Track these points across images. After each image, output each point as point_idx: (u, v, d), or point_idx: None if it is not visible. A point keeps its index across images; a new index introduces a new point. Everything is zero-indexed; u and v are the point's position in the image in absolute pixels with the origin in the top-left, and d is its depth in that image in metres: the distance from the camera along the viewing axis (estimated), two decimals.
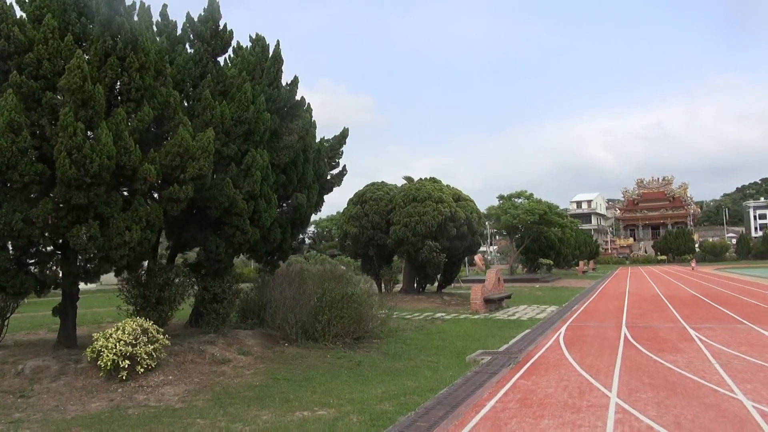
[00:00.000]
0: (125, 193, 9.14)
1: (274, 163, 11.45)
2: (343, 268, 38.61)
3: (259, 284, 13.80)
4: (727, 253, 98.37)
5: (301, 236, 14.18)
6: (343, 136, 14.14)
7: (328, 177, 14.30)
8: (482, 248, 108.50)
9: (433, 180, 25.21)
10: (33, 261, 8.76)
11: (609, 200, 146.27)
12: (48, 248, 8.77)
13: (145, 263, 10.71)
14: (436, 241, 22.65)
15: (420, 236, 22.51)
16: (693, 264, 67.97)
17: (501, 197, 51.07)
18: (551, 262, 54.47)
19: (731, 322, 15.64)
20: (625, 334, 13.62)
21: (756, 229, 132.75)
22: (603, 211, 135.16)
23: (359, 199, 25.06)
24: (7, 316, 10.94)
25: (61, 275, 9.11)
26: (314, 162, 13.19)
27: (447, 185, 25.43)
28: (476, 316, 18.59)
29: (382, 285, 25.82)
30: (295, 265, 21.17)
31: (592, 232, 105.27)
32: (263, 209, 10.97)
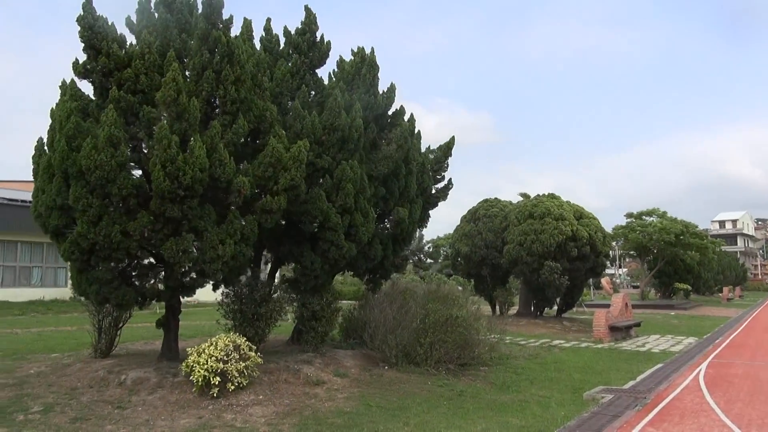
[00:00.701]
0: (221, 207, 9.01)
1: (372, 174, 10.96)
2: (459, 288, 37.61)
3: (363, 302, 13.34)
4: None
5: (406, 253, 13.52)
6: (448, 147, 13.39)
7: (433, 191, 13.58)
8: (610, 271, 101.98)
9: (552, 196, 23.60)
10: (134, 274, 8.87)
11: (758, 220, 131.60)
12: (146, 261, 8.85)
13: (243, 278, 10.60)
14: (555, 262, 21.03)
15: (536, 256, 21.03)
16: None
17: (629, 215, 47.22)
18: (689, 288, 49.36)
19: None
20: None
21: None
22: (751, 232, 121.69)
23: (472, 217, 24.08)
24: (120, 326, 11.32)
25: (161, 288, 9.16)
26: (418, 175, 12.54)
27: (567, 201, 23.69)
28: (599, 346, 16.81)
29: (497, 307, 24.52)
30: (398, 284, 20.62)
31: (738, 255, 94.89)
32: (359, 223, 10.47)
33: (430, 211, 14.01)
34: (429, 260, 59.11)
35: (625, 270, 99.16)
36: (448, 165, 13.50)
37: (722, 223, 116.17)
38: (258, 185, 9.06)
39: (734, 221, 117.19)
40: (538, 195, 23.92)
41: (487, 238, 22.78)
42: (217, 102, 8.93)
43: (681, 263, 46.75)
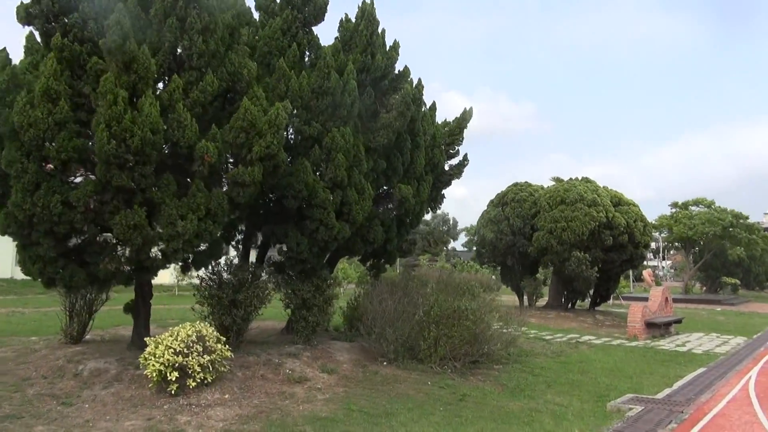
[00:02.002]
0: (184, 178, 7.84)
1: (370, 146, 9.63)
2: (492, 278, 36.09)
3: (364, 290, 12.08)
4: None
5: (414, 236, 12.21)
6: (464, 119, 11.91)
7: (446, 168, 12.16)
8: (653, 263, 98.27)
9: (587, 180, 21.80)
10: (88, 251, 7.79)
11: None
12: (101, 238, 7.77)
13: (224, 260, 9.48)
14: (587, 252, 19.32)
15: (567, 245, 19.36)
16: None
17: (674, 204, 44.51)
18: (737, 282, 46.43)
19: None
20: None
21: None
22: None
23: (500, 201, 22.47)
24: (95, 310, 10.37)
25: (117, 269, 8.07)
26: (427, 149, 11.16)
27: (604, 187, 21.85)
28: (633, 344, 15.16)
29: (524, 298, 22.95)
30: (419, 271, 19.32)
31: None
32: (353, 201, 9.19)
33: (444, 191, 12.63)
34: (463, 248, 57.35)
35: (669, 262, 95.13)
36: (463, 139, 12.03)
37: None
38: (229, 153, 7.85)
39: None
40: (571, 179, 22.15)
41: (515, 224, 21.16)
42: (182, 54, 7.73)
43: (729, 256, 43.93)
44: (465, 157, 12.15)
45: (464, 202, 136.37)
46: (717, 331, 19.40)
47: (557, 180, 23.04)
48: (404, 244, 12.03)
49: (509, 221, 21.31)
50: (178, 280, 23.77)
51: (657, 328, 16.92)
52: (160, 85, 7.97)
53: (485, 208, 22.95)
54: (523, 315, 13.56)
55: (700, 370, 11.33)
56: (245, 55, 8.37)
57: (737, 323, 23.01)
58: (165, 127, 7.21)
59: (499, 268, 23.21)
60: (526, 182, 22.82)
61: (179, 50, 7.72)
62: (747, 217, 42.15)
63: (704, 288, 48.87)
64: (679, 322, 18.49)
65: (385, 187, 10.62)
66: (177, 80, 7.33)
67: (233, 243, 11.05)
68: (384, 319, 10.39)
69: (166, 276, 10.87)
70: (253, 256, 11.10)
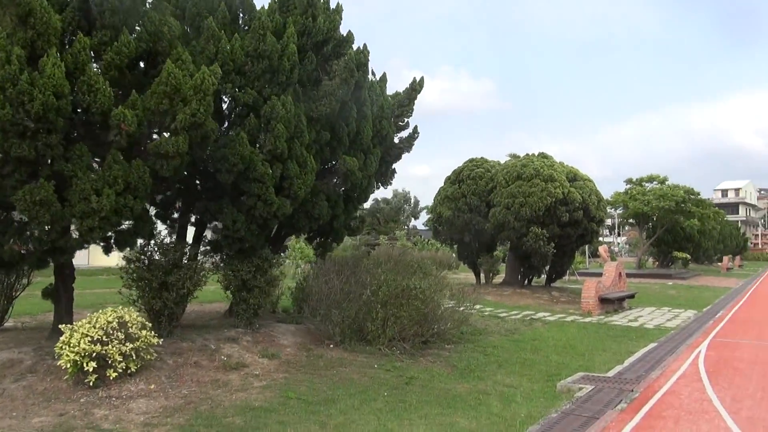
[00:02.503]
0: (100, 149, 7.08)
1: (313, 116, 9.00)
2: (453, 255, 35.67)
3: (314, 269, 11.53)
4: None
5: (362, 213, 11.69)
6: (413, 89, 11.35)
7: (396, 140, 11.63)
8: (609, 239, 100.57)
9: (543, 156, 21.61)
10: None
11: (761, 189, 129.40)
12: (1, 216, 6.99)
13: (154, 240, 8.77)
14: (544, 228, 19.18)
15: (524, 221, 19.16)
16: None
17: (629, 181, 45.18)
18: (688, 257, 47.72)
19: None
20: None
21: None
22: (754, 201, 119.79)
23: (456, 178, 22.10)
24: (15, 295, 9.55)
25: (30, 250, 7.31)
26: (375, 120, 10.59)
27: (561, 162, 21.70)
28: (587, 320, 15.10)
29: (481, 276, 22.81)
30: (380, 250, 18.87)
31: (740, 224, 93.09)
32: (294, 174, 8.58)
33: (396, 166, 12.10)
34: (425, 227, 57.12)
35: (623, 238, 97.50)
36: (413, 109, 11.49)
37: (725, 192, 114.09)
38: (151, 122, 7.13)
39: (737, 190, 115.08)
40: (528, 154, 21.94)
41: (472, 201, 20.85)
42: (95, 13, 6.92)
43: (681, 231, 45.04)
44: (415, 130, 11.63)
45: (427, 181, 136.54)
46: (668, 305, 19.65)
47: (514, 156, 22.83)
48: (352, 221, 11.50)
49: (466, 198, 20.98)
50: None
51: (611, 303, 16.95)
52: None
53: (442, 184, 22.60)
54: (477, 293, 13.24)
55: (651, 345, 11.25)
56: (167, 13, 7.59)
57: (688, 297, 23.44)
58: (76, 91, 6.44)
59: (456, 245, 22.92)
60: (482, 158, 22.50)
61: (92, 6, 6.90)
62: (698, 194, 43.13)
63: (657, 263, 50.10)
64: (632, 297, 18.60)
65: (330, 161, 10.01)
66: (83, 40, 6.54)
67: (169, 221, 10.33)
68: (330, 300, 9.89)
69: (114, 258, 10.09)
70: (191, 236, 10.40)
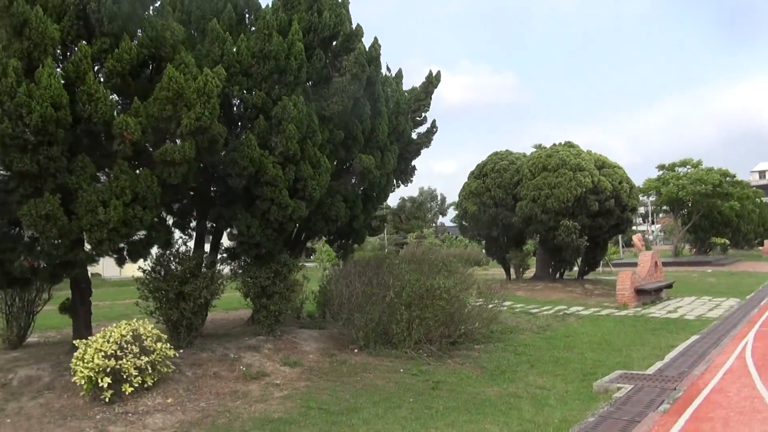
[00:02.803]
0: (104, 160, 6.91)
1: (325, 114, 8.72)
2: (480, 251, 34.94)
3: (336, 272, 11.26)
4: None
5: (383, 213, 11.37)
6: (430, 82, 10.97)
7: (414, 136, 11.28)
8: (642, 227, 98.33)
9: (569, 145, 20.96)
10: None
11: None
12: (13, 232, 6.87)
13: (169, 250, 8.60)
14: (574, 219, 18.57)
15: (552, 213, 18.58)
16: None
17: (661, 167, 43.82)
18: (727, 242, 46.13)
19: None
20: None
21: None
22: None
23: (480, 172, 21.61)
24: (35, 311, 9.50)
25: (41, 266, 7.19)
26: (391, 116, 10.27)
27: (588, 151, 21.03)
28: (623, 312, 14.50)
29: (511, 271, 22.27)
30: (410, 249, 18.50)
31: None
32: (308, 176, 8.30)
33: (414, 162, 11.75)
34: (453, 223, 56.34)
35: (658, 226, 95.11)
36: (430, 103, 11.12)
37: (762, 174, 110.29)
38: (155, 129, 6.93)
39: None
40: (554, 144, 21.30)
41: (497, 195, 20.34)
42: (91, 19, 6.74)
43: (718, 216, 43.55)
44: (433, 124, 11.26)
45: (454, 177, 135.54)
46: (709, 294, 18.83)
47: (539, 147, 22.20)
48: (373, 221, 11.19)
49: (491, 192, 20.49)
50: None
51: (647, 294, 16.29)
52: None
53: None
54: (505, 289, 12.79)
55: (693, 337, 10.66)
56: (171, 17, 7.39)
57: (729, 284, 22.49)
58: (76, 101, 6.27)
59: (483, 241, 22.44)
60: (506, 150, 21.97)
61: (89, 15, 6.72)
62: (734, 175, 41.68)
63: (694, 250, 48.58)
64: (669, 287, 17.87)
65: (346, 161, 9.72)
66: (84, 47, 6.37)
67: (187, 230, 10.17)
68: (351, 304, 9.60)
69: (132, 269, 10.01)
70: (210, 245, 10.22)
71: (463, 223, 22.01)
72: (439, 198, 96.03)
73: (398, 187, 11.78)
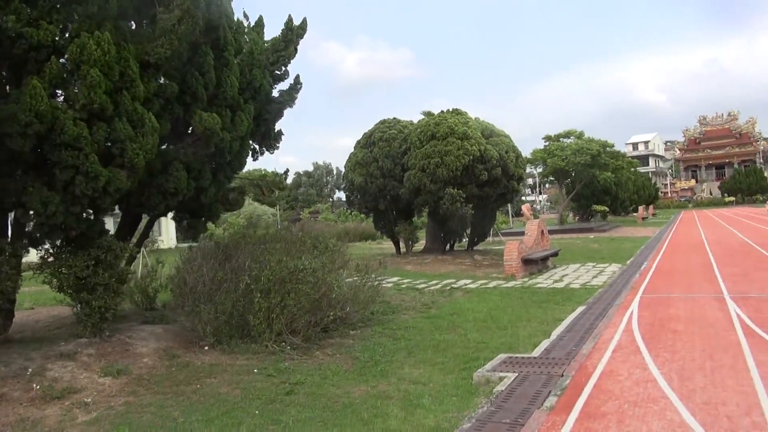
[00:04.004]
0: None
1: (149, 60, 6.94)
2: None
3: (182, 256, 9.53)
4: None
5: (239, 184, 9.78)
6: (289, 29, 9.41)
7: (275, 94, 9.72)
8: (531, 197, 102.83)
9: (457, 112, 20.19)
10: None
11: (667, 141, 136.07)
12: None
13: None
14: (461, 188, 17.88)
15: (441, 183, 17.78)
16: None
17: (547, 138, 45.14)
18: (606, 209, 48.67)
19: None
20: (737, 313, 8.74)
21: None
22: (661, 153, 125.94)
23: (366, 141, 20.41)
24: None
25: None
26: (245, 69, 8.64)
27: (476, 118, 20.42)
28: (510, 284, 13.94)
29: (401, 245, 21.41)
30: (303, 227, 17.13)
31: (650, 175, 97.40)
32: (127, 137, 6.55)
33: (277, 125, 10.20)
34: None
35: (545, 196, 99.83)
36: (293, 54, 9.57)
37: (635, 145, 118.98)
38: None
39: (646, 143, 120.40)
40: (442, 112, 20.47)
41: (385, 165, 19.25)
42: None
43: (598, 185, 45.66)
44: (297, 81, 9.72)
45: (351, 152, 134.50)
46: (592, 260, 18.99)
47: (428, 114, 21.30)
48: (230, 194, 9.56)
49: (378, 162, 19.36)
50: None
51: (534, 263, 15.94)
52: None
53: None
54: (383, 266, 11.69)
55: (580, 309, 10.11)
56: None
57: (610, 249, 23.07)
58: None
59: (372, 214, 21.35)
60: (394, 119, 20.89)
61: None
62: (612, 145, 43.70)
63: (577, 217, 50.87)
64: (555, 254, 17.73)
65: (186, 121, 8.00)
66: None
67: None
68: (197, 292, 8.00)
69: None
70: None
71: (350, 195, 20.77)
72: (335, 172, 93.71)
73: (261, 154, 10.21)
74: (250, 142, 10.04)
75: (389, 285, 14.61)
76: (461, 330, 9.09)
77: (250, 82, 8.81)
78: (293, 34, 9.41)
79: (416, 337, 8.81)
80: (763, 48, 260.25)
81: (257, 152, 10.18)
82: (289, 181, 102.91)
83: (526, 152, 44.47)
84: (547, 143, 45.25)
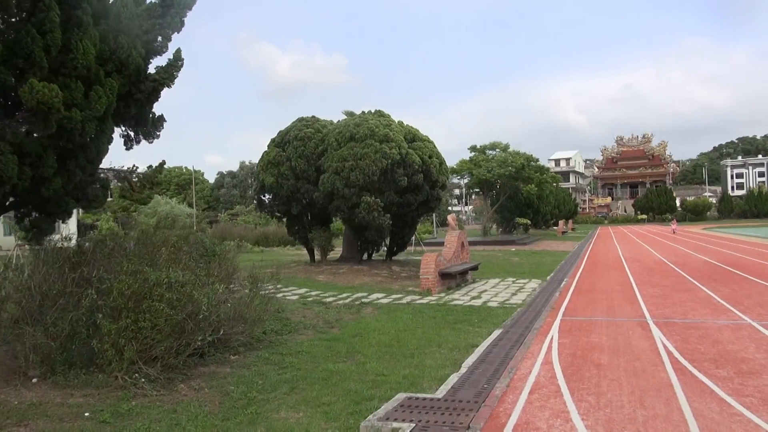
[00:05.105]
0: None
1: None
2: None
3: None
4: (708, 213, 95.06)
5: (101, 174, 8.09)
6: None
7: (151, 69, 8.12)
8: (457, 208, 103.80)
9: (380, 114, 19.08)
10: None
11: (586, 159, 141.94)
12: None
13: None
14: (380, 195, 16.71)
15: (356, 188, 16.54)
16: (674, 225, 54.48)
17: (473, 149, 45.05)
18: (528, 222, 49.20)
19: None
20: (663, 343, 7.94)
21: (733, 188, 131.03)
22: (581, 170, 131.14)
23: (282, 139, 18.87)
24: None
25: None
26: (107, 34, 7.03)
27: (399, 122, 19.36)
28: (425, 300, 12.84)
29: (315, 252, 19.99)
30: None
31: (571, 191, 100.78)
32: None
33: (156, 108, 8.58)
34: None
35: (471, 207, 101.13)
36: (176, 26, 8.01)
37: (557, 162, 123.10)
38: None
39: (567, 159, 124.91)
40: (363, 112, 19.28)
41: (298, 165, 17.78)
42: None
43: (522, 198, 46.04)
44: (178, 55, 8.14)
45: None
46: (512, 275, 18.30)
47: (349, 114, 20.03)
48: (89, 187, 7.85)
49: (291, 162, 17.87)
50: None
51: (452, 278, 14.94)
52: None
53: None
54: (276, 277, 10.28)
55: (496, 332, 9.08)
56: None
57: (531, 263, 22.60)
58: None
59: (285, 218, 19.80)
60: (313, 117, 19.47)
61: None
62: (537, 160, 44.13)
63: (500, 229, 51.15)
64: (475, 268, 16.86)
65: (18, 91, 6.29)
66: None
67: None
68: (23, 311, 6.30)
69: None
70: None
71: (261, 197, 19.16)
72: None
73: (137, 143, 8.55)
74: (122, 127, 8.41)
75: (294, 298, 13.19)
76: (361, 357, 7.80)
77: (114, 52, 7.19)
78: None
79: (307, 365, 7.44)
80: (672, 79, 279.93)
81: (131, 140, 8.52)
82: (211, 180, 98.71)
83: (452, 163, 44.26)
84: (473, 154, 45.16)
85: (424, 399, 5.74)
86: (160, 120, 8.75)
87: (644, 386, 5.92)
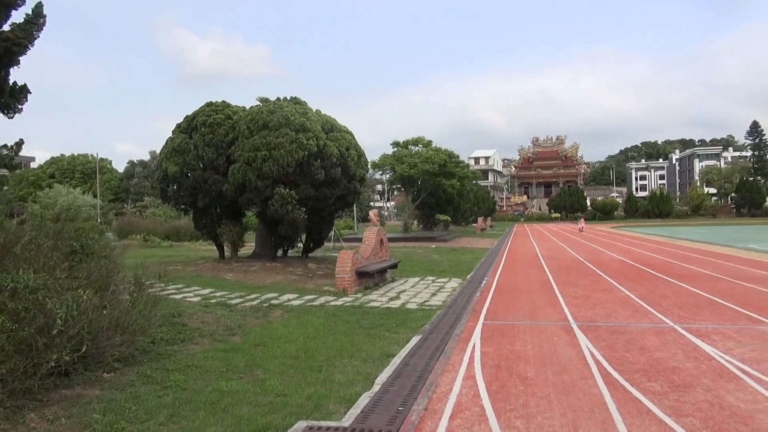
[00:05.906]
0: None
1: None
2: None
3: None
4: (615, 212, 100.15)
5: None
6: None
7: (5, 27, 6.68)
8: (380, 203, 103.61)
9: (296, 101, 17.94)
10: None
11: (504, 159, 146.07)
12: None
13: None
14: (295, 188, 15.63)
15: (269, 180, 15.38)
16: (581, 224, 53.30)
17: (396, 144, 44.59)
18: (449, 219, 49.40)
19: (725, 312, 10.09)
20: (590, 351, 7.43)
21: (637, 189, 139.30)
22: (500, 168, 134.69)
23: (188, 125, 17.35)
24: None
25: None
26: None
27: (317, 110, 18.29)
28: (340, 301, 11.93)
29: (226, 248, 18.58)
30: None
31: (489, 189, 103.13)
32: None
33: (16, 77, 7.12)
34: None
35: (393, 203, 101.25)
36: None
37: (477, 160, 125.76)
38: None
39: (487, 158, 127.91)
40: (278, 99, 18.07)
41: (206, 154, 16.36)
42: None
43: (443, 194, 46.08)
44: (39, 11, 6.74)
45: None
46: (433, 273, 17.74)
47: (263, 100, 18.72)
48: None
49: (198, 151, 16.42)
50: None
51: (370, 277, 14.12)
52: None
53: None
54: (164, 279, 9.03)
55: (415, 339, 8.30)
56: None
57: (451, 261, 22.22)
58: None
59: (191, 211, 18.26)
60: (223, 102, 18.02)
61: None
62: (458, 156, 44.28)
63: (421, 226, 51.08)
64: (394, 266, 16.12)
65: None
66: None
67: None
68: None
69: None
70: None
71: (164, 187, 17.52)
72: None
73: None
74: None
75: (196, 299, 11.90)
76: (261, 372, 6.77)
77: None
78: None
79: (195, 384, 6.33)
80: (586, 84, 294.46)
81: None
82: (121, 170, 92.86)
83: (374, 157, 43.60)
84: (396, 149, 44.71)
85: (328, 429, 4.82)
86: (22, 90, 7.30)
87: (576, 405, 5.28)
